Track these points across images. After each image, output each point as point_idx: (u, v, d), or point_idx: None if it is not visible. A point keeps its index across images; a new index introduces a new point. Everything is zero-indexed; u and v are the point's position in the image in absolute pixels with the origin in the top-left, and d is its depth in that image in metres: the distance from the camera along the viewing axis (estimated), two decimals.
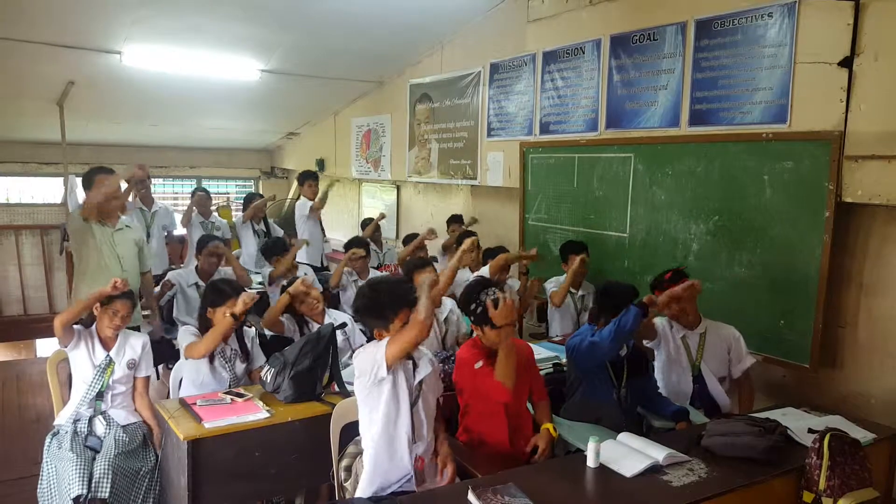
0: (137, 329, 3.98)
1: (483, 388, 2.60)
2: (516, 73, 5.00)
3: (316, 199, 5.88)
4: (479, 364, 2.63)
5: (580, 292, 4.24)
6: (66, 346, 3.00)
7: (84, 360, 3.00)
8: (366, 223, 6.15)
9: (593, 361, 2.84)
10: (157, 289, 4.40)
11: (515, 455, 2.65)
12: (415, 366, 2.45)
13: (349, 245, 4.86)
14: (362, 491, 2.38)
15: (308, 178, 6.12)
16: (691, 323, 3.16)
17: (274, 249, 4.72)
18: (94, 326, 3.07)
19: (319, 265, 5.95)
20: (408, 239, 5.36)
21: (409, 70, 6.26)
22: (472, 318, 2.70)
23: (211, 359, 3.13)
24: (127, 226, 3.96)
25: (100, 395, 3.00)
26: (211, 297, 3.19)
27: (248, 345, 3.30)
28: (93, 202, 3.69)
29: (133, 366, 3.07)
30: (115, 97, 6.45)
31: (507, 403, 2.62)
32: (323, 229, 6.36)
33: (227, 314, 3.05)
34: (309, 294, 3.52)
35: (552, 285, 4.29)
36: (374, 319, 2.42)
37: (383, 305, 2.39)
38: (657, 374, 3.23)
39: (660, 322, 3.25)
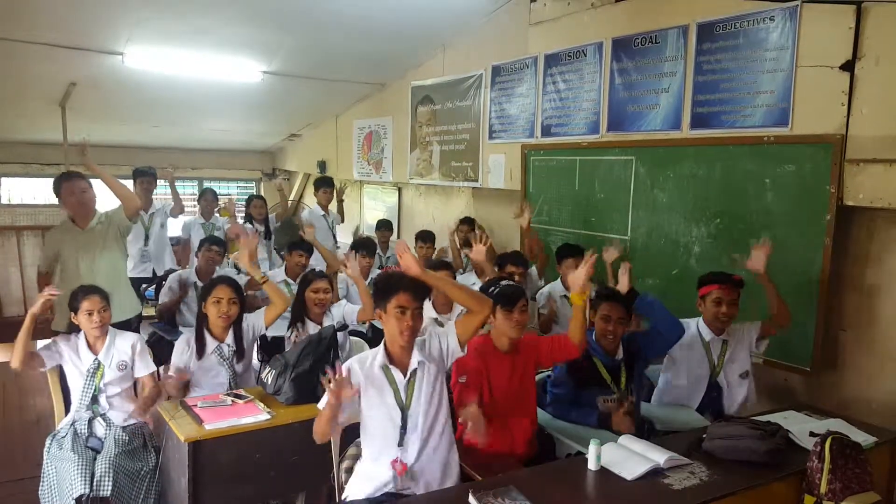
0: (138, 325, 3.98)
1: (463, 400, 2.58)
2: (518, 76, 5.01)
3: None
4: (464, 378, 2.63)
5: None
6: (44, 368, 3.00)
7: (71, 368, 3.02)
8: (381, 224, 6.18)
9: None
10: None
11: (517, 457, 2.65)
12: (407, 365, 2.41)
13: (354, 248, 4.92)
14: (353, 493, 2.39)
15: (323, 185, 6.12)
16: (720, 329, 3.12)
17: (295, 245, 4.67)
18: (82, 332, 3.06)
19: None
20: (420, 236, 5.36)
21: (411, 72, 6.26)
22: None
23: (200, 354, 3.17)
24: (100, 222, 3.81)
25: (94, 399, 3.00)
26: (202, 292, 3.26)
27: (246, 343, 3.29)
28: (138, 203, 3.74)
29: (124, 367, 3.07)
30: (117, 98, 6.45)
31: (502, 410, 2.64)
32: (335, 235, 6.34)
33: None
34: (326, 291, 3.61)
35: (543, 299, 4.28)
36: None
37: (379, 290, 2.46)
38: (667, 376, 3.23)
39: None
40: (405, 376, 2.40)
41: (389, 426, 2.37)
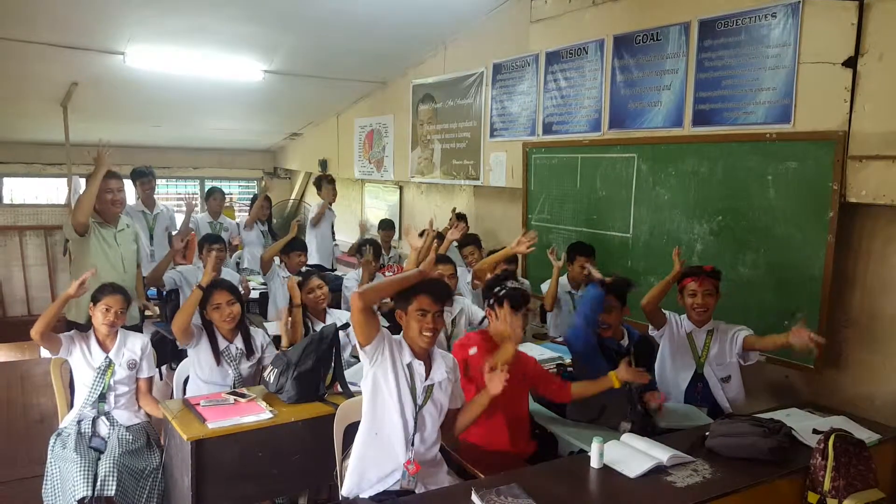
0: (140, 329, 4.01)
1: (472, 373, 2.64)
2: (519, 74, 5.00)
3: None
4: (474, 350, 2.68)
5: (579, 293, 4.23)
6: (55, 354, 3.01)
7: (82, 364, 3.02)
8: (384, 224, 6.25)
9: (585, 336, 2.94)
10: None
11: (518, 455, 2.65)
12: (429, 368, 2.45)
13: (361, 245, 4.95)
14: (348, 485, 2.40)
15: (325, 182, 6.27)
16: (698, 320, 3.16)
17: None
18: (92, 329, 3.08)
19: (329, 267, 6.17)
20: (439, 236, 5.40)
21: (412, 70, 6.26)
22: (490, 301, 2.82)
23: (218, 360, 3.16)
24: (127, 225, 4.00)
25: (102, 397, 3.01)
26: (200, 302, 3.22)
27: (254, 344, 3.32)
28: (82, 220, 3.65)
29: (133, 366, 3.09)
30: (119, 98, 6.46)
31: (504, 407, 2.64)
32: (333, 232, 6.40)
33: (195, 286, 3.21)
34: (320, 287, 3.72)
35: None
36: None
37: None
38: (656, 365, 3.27)
39: (668, 315, 3.27)
40: (426, 379, 2.43)
41: (400, 423, 2.38)
